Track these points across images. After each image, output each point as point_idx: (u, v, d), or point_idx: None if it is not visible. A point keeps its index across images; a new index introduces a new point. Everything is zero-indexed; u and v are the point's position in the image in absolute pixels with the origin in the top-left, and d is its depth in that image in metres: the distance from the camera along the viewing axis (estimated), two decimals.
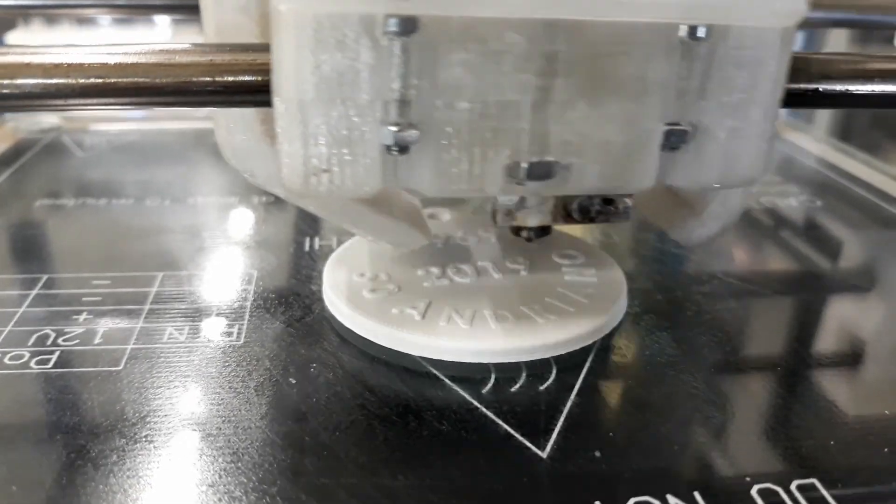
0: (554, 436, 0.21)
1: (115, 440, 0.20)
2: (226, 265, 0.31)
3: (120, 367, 0.24)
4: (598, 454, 0.21)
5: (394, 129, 0.19)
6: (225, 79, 0.19)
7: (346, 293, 0.26)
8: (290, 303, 0.28)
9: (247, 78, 0.19)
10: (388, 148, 0.19)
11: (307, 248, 0.33)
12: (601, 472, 0.20)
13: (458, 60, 0.19)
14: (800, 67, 0.22)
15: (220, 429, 0.21)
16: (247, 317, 0.27)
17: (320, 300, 0.28)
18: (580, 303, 0.26)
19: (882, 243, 0.37)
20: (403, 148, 0.19)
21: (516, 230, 0.27)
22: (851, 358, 0.27)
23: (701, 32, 0.20)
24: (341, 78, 0.19)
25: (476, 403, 0.22)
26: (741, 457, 0.21)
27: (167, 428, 0.21)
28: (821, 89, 0.22)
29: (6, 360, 0.24)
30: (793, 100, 0.22)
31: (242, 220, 0.36)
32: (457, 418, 0.22)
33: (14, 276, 0.30)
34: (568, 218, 0.26)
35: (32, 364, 0.24)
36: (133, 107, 0.20)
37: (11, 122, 0.47)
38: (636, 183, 0.21)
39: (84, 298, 0.28)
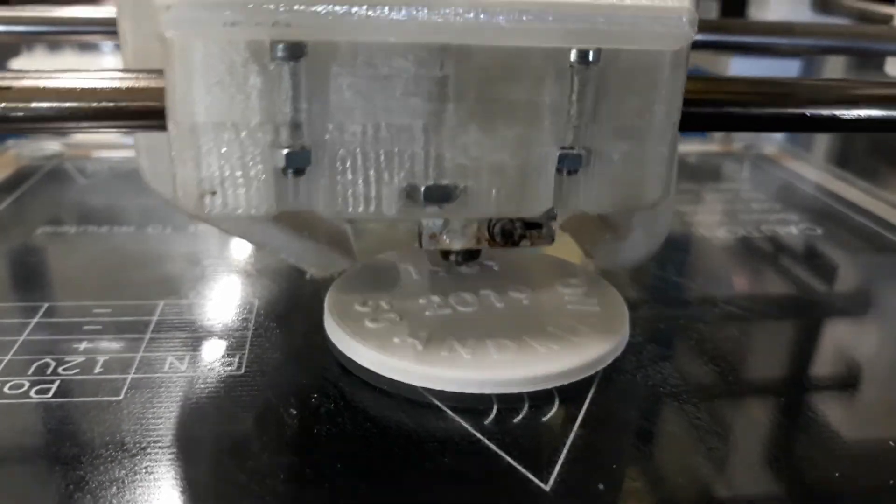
0: (557, 468, 0.21)
1: (115, 471, 0.20)
2: (227, 294, 0.30)
3: (120, 397, 0.23)
4: (601, 487, 0.20)
5: (286, 151, 0.19)
6: (124, 104, 0.20)
7: (348, 323, 0.26)
8: (292, 332, 0.28)
9: (148, 103, 0.20)
10: (283, 170, 0.19)
11: (308, 276, 0.32)
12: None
13: (348, 84, 0.19)
14: (787, 93, 0.22)
15: (221, 461, 0.21)
16: (248, 346, 0.26)
17: (321, 329, 0.27)
18: (582, 332, 0.26)
19: (882, 270, 0.36)
20: (298, 170, 0.20)
21: (445, 254, 0.27)
22: (854, 386, 0.26)
23: (591, 56, 0.19)
24: (231, 102, 0.19)
25: (478, 435, 0.22)
26: (745, 488, 0.21)
27: (167, 459, 0.21)
28: (808, 114, 0.23)
29: (6, 390, 0.23)
30: (781, 125, 0.23)
31: (243, 249, 0.36)
32: (459, 451, 0.21)
33: (15, 303, 0.29)
34: (491, 241, 0.26)
35: (32, 393, 0.23)
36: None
37: (14, 149, 0.48)
38: (534, 206, 0.21)
39: (85, 327, 0.27)
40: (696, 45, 0.42)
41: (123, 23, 0.23)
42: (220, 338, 0.27)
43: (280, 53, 0.19)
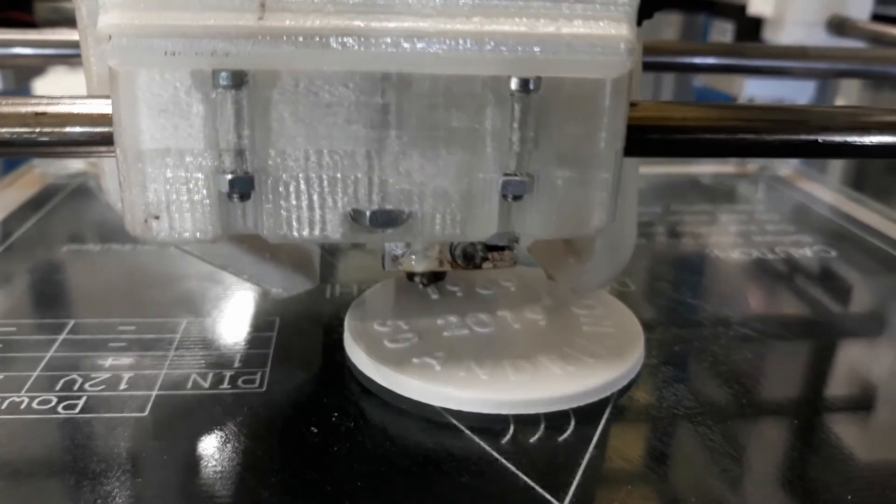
0: (573, 488, 0.21)
1: (140, 487, 0.21)
2: (249, 312, 0.31)
3: (145, 413, 0.23)
4: None
5: (229, 177, 0.19)
6: (76, 129, 0.20)
7: (367, 342, 0.26)
8: (312, 351, 0.28)
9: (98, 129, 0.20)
10: (228, 195, 0.19)
11: (328, 294, 0.32)
12: None
13: (289, 112, 0.19)
14: (800, 120, 0.22)
15: (244, 477, 0.21)
16: (269, 364, 0.27)
17: (341, 348, 0.27)
18: (598, 354, 0.26)
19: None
20: (243, 195, 0.20)
21: (410, 276, 0.27)
22: (868, 409, 0.26)
23: (531, 84, 0.19)
24: (175, 129, 0.19)
25: (496, 455, 0.22)
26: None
27: (191, 475, 0.21)
28: (820, 140, 0.22)
29: (34, 405, 0.24)
30: (794, 150, 0.22)
31: None
32: (476, 470, 0.21)
33: (42, 320, 0.30)
34: (453, 263, 0.25)
35: (60, 409, 0.24)
36: None
37: (39, 168, 0.48)
38: (478, 231, 0.21)
39: (110, 344, 0.27)
40: (713, 69, 0.41)
41: (87, 48, 0.23)
42: (243, 356, 0.27)
43: (222, 82, 0.19)
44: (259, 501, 0.20)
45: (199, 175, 0.19)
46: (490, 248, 0.25)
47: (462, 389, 0.24)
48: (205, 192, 0.19)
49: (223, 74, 0.18)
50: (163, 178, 0.19)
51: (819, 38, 0.52)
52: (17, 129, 0.20)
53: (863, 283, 0.37)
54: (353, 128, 0.19)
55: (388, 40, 0.19)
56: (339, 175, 0.20)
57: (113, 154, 0.20)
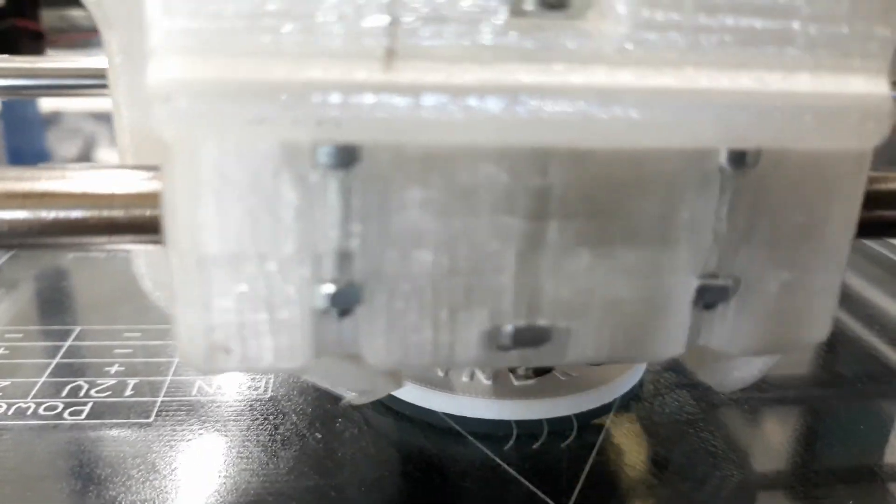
0: (575, 494, 0.21)
1: (146, 492, 0.20)
2: None
3: (150, 420, 0.23)
4: None
5: (330, 288, 0.13)
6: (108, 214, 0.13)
7: None
8: None
9: (139, 212, 0.13)
10: (324, 311, 0.13)
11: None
12: None
13: (416, 200, 0.13)
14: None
15: (249, 482, 0.21)
16: (273, 374, 0.26)
17: None
18: None
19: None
20: (344, 311, 0.13)
21: (511, 369, 0.21)
22: (867, 410, 0.26)
23: (748, 159, 0.13)
24: (255, 226, 0.13)
25: (498, 461, 0.22)
26: None
27: (196, 481, 0.21)
28: None
29: (41, 411, 0.24)
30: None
31: None
32: (479, 476, 0.21)
33: (48, 327, 0.30)
34: None
35: (66, 415, 0.24)
36: None
37: None
38: (658, 352, 0.15)
39: (116, 350, 0.27)
40: None
41: (118, 93, 0.17)
42: None
43: (325, 159, 0.13)
44: None
45: (287, 287, 0.13)
46: None
47: (464, 395, 0.23)
48: (294, 309, 0.13)
49: (326, 150, 0.12)
50: (235, 293, 0.13)
51: None
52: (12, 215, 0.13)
53: (870, 288, 0.36)
54: (502, 220, 0.13)
55: (562, 101, 0.12)
56: (478, 283, 0.14)
57: (156, 245, 0.14)
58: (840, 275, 0.15)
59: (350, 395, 0.21)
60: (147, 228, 0.14)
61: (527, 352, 0.15)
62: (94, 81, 0.31)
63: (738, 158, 0.14)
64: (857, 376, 0.28)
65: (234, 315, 0.13)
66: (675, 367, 0.27)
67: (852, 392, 0.27)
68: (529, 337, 0.14)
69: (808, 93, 0.13)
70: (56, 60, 0.33)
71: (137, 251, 0.18)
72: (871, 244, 0.40)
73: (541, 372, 0.24)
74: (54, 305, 0.32)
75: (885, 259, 0.39)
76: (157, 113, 0.12)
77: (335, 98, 0.12)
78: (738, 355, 0.16)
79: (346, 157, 0.13)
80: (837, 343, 0.30)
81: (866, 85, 0.13)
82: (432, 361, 0.14)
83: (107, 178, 0.14)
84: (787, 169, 0.14)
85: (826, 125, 0.13)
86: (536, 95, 0.13)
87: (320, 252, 0.13)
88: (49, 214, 0.14)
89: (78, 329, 0.29)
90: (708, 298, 0.14)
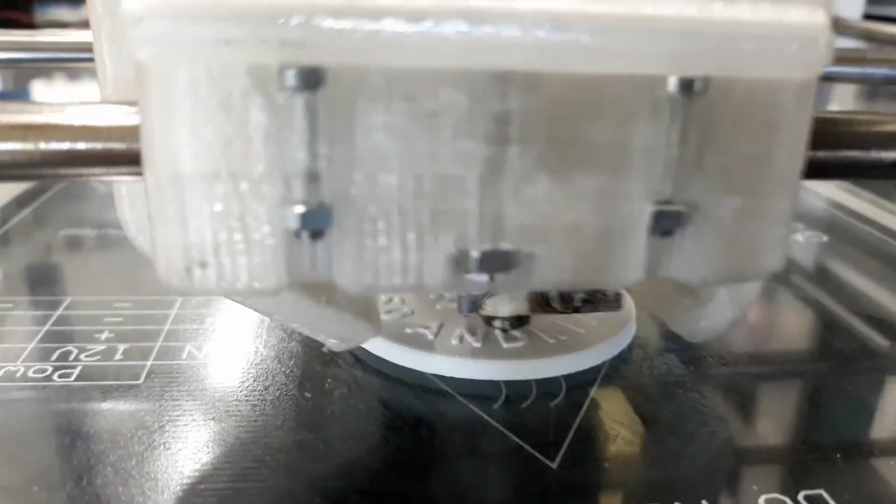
0: (564, 448, 0.21)
1: (134, 446, 0.21)
2: None
3: (140, 381, 0.24)
4: (606, 465, 0.20)
5: (300, 209, 0.14)
6: (90, 146, 0.14)
7: None
8: None
9: (130, 145, 0.14)
10: (296, 232, 0.14)
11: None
12: (610, 481, 0.20)
13: (381, 123, 0.14)
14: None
15: (239, 437, 0.21)
16: (264, 336, 0.27)
17: None
18: (590, 325, 0.26)
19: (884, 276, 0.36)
20: (315, 233, 0.14)
21: (488, 320, 0.22)
22: (856, 373, 0.26)
23: (696, 86, 0.14)
24: (227, 146, 0.14)
25: (487, 417, 0.22)
26: (749, 468, 0.21)
27: (185, 436, 0.21)
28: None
29: (30, 374, 0.24)
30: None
31: None
32: (468, 431, 0.22)
33: (37, 297, 0.30)
34: (547, 307, 0.20)
35: (55, 377, 0.24)
36: None
37: None
38: (619, 277, 0.15)
39: (106, 319, 0.28)
40: None
41: (101, 43, 0.17)
42: (238, 328, 0.27)
43: (292, 82, 0.13)
44: (252, 457, 0.20)
45: (260, 206, 0.14)
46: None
47: (454, 356, 0.24)
48: (266, 228, 0.14)
49: (293, 72, 0.13)
50: (209, 211, 0.14)
51: None
52: (5, 147, 0.14)
53: (851, 267, 0.37)
54: (464, 144, 0.14)
55: (520, 26, 0.13)
56: (443, 206, 0.14)
57: (137, 177, 0.14)
58: (790, 204, 0.15)
59: (330, 343, 0.22)
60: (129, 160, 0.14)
61: (493, 277, 0.15)
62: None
63: (687, 86, 0.14)
64: (851, 352, 0.28)
65: (209, 234, 0.14)
66: (664, 334, 0.27)
67: (845, 368, 0.27)
68: (496, 262, 0.15)
69: (749, 21, 0.14)
70: (52, 34, 0.34)
71: (121, 196, 0.18)
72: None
73: (518, 323, 0.24)
74: (44, 279, 0.32)
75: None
76: (131, 36, 0.13)
77: (297, 19, 0.13)
78: (698, 284, 0.16)
79: (311, 79, 0.13)
80: (833, 323, 0.30)
81: (805, 15, 0.14)
82: (402, 285, 0.15)
83: (103, 113, 0.15)
84: (734, 98, 0.14)
85: (766, 53, 0.14)
86: (490, 20, 0.13)
87: (290, 173, 0.14)
88: (49, 146, 0.14)
89: (68, 300, 0.29)
90: (664, 225, 0.15)
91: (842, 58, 0.35)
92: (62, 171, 0.15)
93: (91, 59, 0.33)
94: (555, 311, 0.22)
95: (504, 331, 0.23)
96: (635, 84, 0.14)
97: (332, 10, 0.13)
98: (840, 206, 0.43)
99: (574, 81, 0.14)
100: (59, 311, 0.28)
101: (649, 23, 0.14)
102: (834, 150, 0.17)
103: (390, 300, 0.27)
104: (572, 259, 0.15)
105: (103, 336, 0.27)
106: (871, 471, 0.21)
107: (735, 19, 0.14)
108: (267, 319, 0.27)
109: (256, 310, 0.21)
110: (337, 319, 0.21)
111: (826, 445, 0.22)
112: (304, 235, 0.14)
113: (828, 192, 0.46)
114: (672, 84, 0.14)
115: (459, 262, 0.15)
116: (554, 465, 0.20)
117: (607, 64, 0.14)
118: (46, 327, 0.27)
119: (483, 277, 0.15)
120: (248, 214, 0.14)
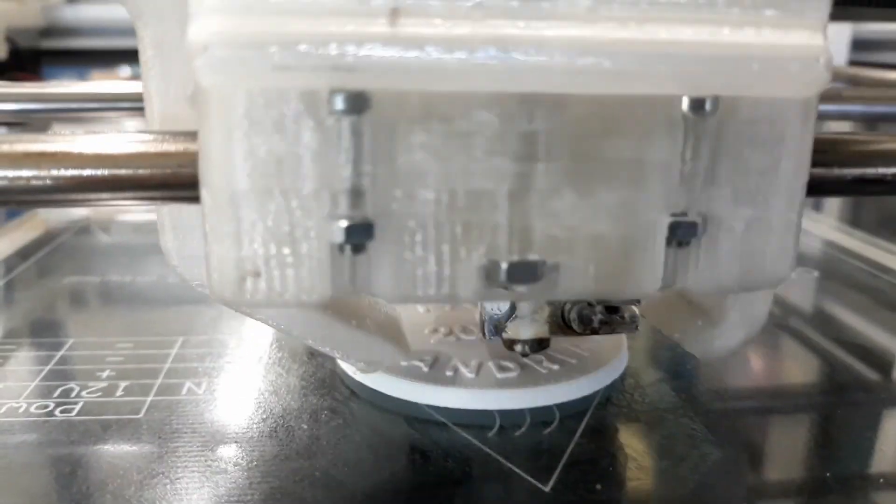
0: (556, 473, 0.21)
1: (133, 475, 0.21)
2: (243, 329, 0.31)
3: (140, 415, 0.24)
4: (599, 487, 0.21)
5: (344, 223, 0.15)
6: (147, 172, 0.15)
7: None
8: (303, 360, 0.28)
9: (178, 170, 0.15)
10: (339, 246, 0.15)
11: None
12: (602, 501, 0.20)
13: (420, 143, 0.15)
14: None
15: (238, 464, 0.21)
16: (262, 373, 0.27)
17: (332, 358, 0.27)
18: (582, 356, 0.26)
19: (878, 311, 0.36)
20: (357, 246, 0.15)
21: (509, 344, 0.22)
22: (848, 404, 0.26)
23: (707, 105, 0.15)
24: (280, 165, 0.15)
25: (480, 445, 0.22)
26: (738, 489, 0.21)
27: (183, 465, 0.21)
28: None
29: (32, 409, 0.24)
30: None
31: None
32: (462, 457, 0.22)
33: (41, 339, 0.30)
34: (567, 329, 0.21)
35: (57, 412, 0.24)
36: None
37: (42, 213, 0.48)
38: (639, 286, 0.17)
39: (108, 358, 0.28)
40: None
41: (149, 83, 0.19)
42: (236, 365, 0.28)
43: (340, 105, 0.15)
44: (250, 483, 0.21)
45: (308, 222, 0.15)
46: (609, 309, 0.21)
47: (448, 387, 0.24)
48: (314, 242, 0.15)
49: (341, 96, 0.14)
50: (262, 225, 0.15)
51: None
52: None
53: (836, 295, 0.38)
54: (495, 161, 0.15)
55: (545, 53, 0.15)
56: (475, 219, 0.15)
57: (180, 200, 0.15)
58: (798, 214, 0.17)
59: (359, 366, 0.23)
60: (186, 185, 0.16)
61: (522, 288, 0.16)
62: (99, 105, 0.34)
63: (698, 106, 0.16)
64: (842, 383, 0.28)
65: (261, 247, 0.15)
66: (657, 364, 0.28)
67: (836, 398, 0.27)
68: (523, 272, 0.16)
69: (754, 44, 0.15)
70: (61, 86, 0.35)
71: (164, 226, 0.20)
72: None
73: (537, 347, 0.25)
74: (48, 322, 0.33)
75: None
76: (195, 63, 0.14)
77: (348, 49, 0.14)
78: (712, 293, 0.17)
79: (358, 103, 0.15)
80: (824, 355, 0.31)
81: (805, 38, 0.15)
82: (436, 295, 0.16)
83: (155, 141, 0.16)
84: (741, 115, 0.16)
85: (771, 74, 0.15)
86: (521, 47, 0.15)
87: (336, 190, 0.15)
88: (104, 172, 0.16)
89: (71, 341, 0.30)
90: (680, 235, 0.16)
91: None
92: (115, 195, 0.16)
93: (99, 109, 0.34)
94: (574, 332, 0.23)
95: (525, 354, 0.24)
96: (652, 104, 0.16)
97: (380, 38, 0.14)
98: (833, 245, 0.44)
99: (596, 102, 0.15)
100: (61, 352, 0.29)
101: (664, 47, 0.15)
102: (836, 168, 0.18)
103: None
104: (595, 269, 0.16)
105: (105, 374, 0.27)
106: (864, 500, 0.21)
107: (741, 42, 0.15)
108: (265, 357, 0.28)
109: (290, 333, 0.22)
110: (366, 342, 0.22)
111: (817, 473, 0.22)
112: (347, 249, 0.15)
113: (821, 232, 0.47)
114: (685, 104, 0.15)
115: (490, 273, 0.16)
116: (547, 489, 0.20)
117: (626, 86, 0.15)
118: (49, 367, 0.27)
119: (513, 288, 0.16)
120: (297, 229, 0.15)
